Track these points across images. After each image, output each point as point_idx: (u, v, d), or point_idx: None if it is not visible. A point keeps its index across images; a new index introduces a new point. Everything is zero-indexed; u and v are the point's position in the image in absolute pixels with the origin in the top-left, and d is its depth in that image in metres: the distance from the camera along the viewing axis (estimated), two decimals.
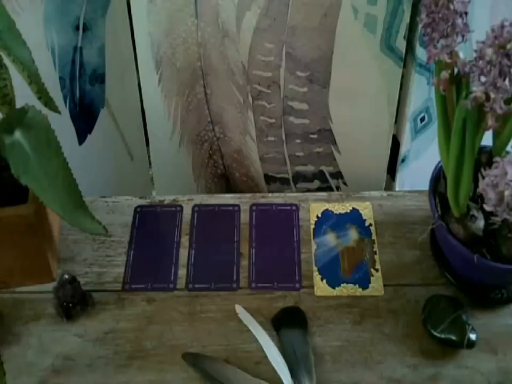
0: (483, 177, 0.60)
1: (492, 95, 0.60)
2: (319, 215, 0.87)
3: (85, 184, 0.70)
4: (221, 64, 0.91)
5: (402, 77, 0.89)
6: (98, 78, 0.94)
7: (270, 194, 0.91)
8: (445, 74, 0.67)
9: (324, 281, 0.80)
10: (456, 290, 0.78)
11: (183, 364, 0.73)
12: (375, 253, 0.83)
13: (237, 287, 0.80)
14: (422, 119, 0.95)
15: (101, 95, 0.96)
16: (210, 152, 1.03)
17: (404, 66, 0.88)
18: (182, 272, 0.82)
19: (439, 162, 0.77)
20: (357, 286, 0.80)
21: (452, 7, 0.64)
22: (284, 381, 0.70)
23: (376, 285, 0.80)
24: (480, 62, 0.61)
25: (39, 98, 0.69)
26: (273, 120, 0.95)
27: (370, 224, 0.86)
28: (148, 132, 1.00)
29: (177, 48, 0.90)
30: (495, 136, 0.71)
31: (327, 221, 0.86)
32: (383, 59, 0.87)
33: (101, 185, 1.02)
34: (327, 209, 0.88)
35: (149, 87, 0.94)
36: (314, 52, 0.87)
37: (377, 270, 0.81)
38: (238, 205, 0.88)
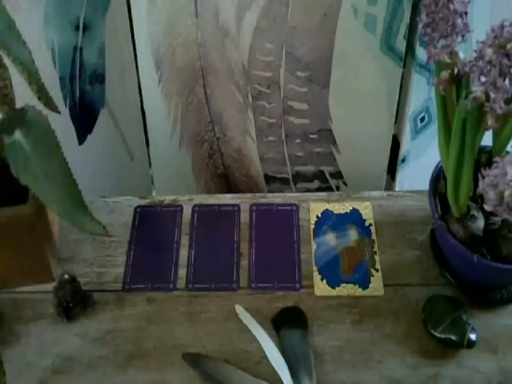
0: (483, 177, 0.60)
1: (492, 95, 0.60)
2: (319, 215, 0.87)
3: (85, 184, 0.70)
4: (221, 64, 0.91)
5: (402, 77, 0.89)
6: (98, 78, 0.94)
7: (270, 194, 0.91)
8: (445, 74, 0.67)
9: (324, 281, 0.80)
10: (456, 290, 0.78)
11: (183, 363, 0.73)
12: (375, 253, 0.83)
13: (237, 287, 0.80)
14: (422, 119, 0.95)
15: (101, 95, 0.96)
16: (210, 152, 1.03)
17: (404, 66, 0.88)
18: (182, 272, 0.82)
19: (439, 162, 0.77)
20: (357, 286, 0.80)
21: (452, 7, 0.64)
22: (284, 381, 0.70)
23: (376, 285, 0.80)
24: (480, 62, 0.61)
25: (39, 98, 0.69)
26: (273, 120, 0.95)
27: (370, 224, 0.86)
28: (148, 132, 1.00)
29: (177, 48, 0.90)
30: (495, 136, 0.71)
31: (327, 221, 0.86)
32: (383, 59, 0.87)
33: (101, 185, 1.02)
34: (327, 209, 0.88)
35: (149, 87, 0.94)
36: (314, 52, 0.87)
37: (377, 270, 0.81)
38: (238, 205, 0.88)
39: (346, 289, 0.79)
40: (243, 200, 0.89)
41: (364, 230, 0.85)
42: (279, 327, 0.75)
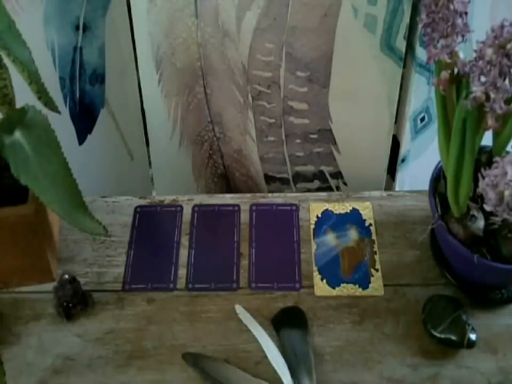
0: (483, 177, 0.60)
1: (492, 95, 0.60)
2: (319, 215, 0.87)
3: (85, 184, 0.70)
4: (221, 64, 0.91)
5: (402, 77, 0.89)
6: (98, 78, 0.94)
7: (270, 194, 0.91)
8: (445, 74, 0.67)
9: (324, 281, 0.80)
10: (456, 290, 0.78)
11: (183, 364, 0.73)
12: (375, 253, 0.83)
13: (237, 287, 0.80)
14: (422, 119, 0.95)
15: (101, 95, 0.96)
16: (210, 152, 1.03)
17: (404, 66, 0.88)
18: (182, 272, 0.82)
19: (439, 162, 0.77)
20: (357, 286, 0.80)
21: (451, 7, 0.64)
22: (284, 381, 0.70)
23: (376, 285, 0.80)
24: (480, 62, 0.61)
25: (39, 98, 0.69)
26: (273, 120, 0.95)
27: (370, 224, 0.86)
28: (148, 132, 1.00)
29: (177, 48, 0.90)
30: (495, 136, 0.71)
31: (327, 221, 0.86)
32: (383, 59, 0.87)
33: (101, 185, 1.02)
34: (327, 209, 0.88)
35: (149, 87, 0.94)
36: (314, 51, 0.87)
37: (377, 270, 0.81)
38: (238, 205, 0.88)
39: (346, 289, 0.79)
40: (243, 200, 0.89)
41: (364, 230, 0.85)
42: (279, 327, 0.75)
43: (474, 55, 0.62)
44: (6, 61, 0.67)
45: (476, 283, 0.77)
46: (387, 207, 0.88)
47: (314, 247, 0.84)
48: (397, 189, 1.03)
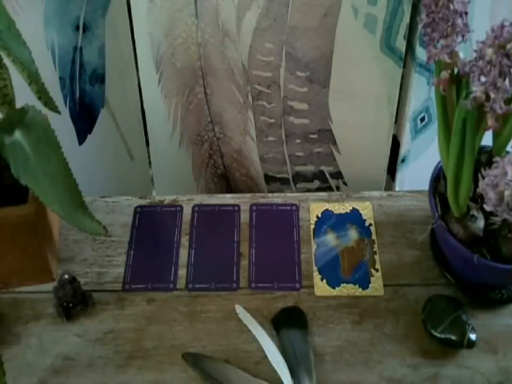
0: (483, 177, 0.60)
1: (492, 95, 0.60)
2: (319, 215, 0.87)
3: (85, 184, 0.70)
4: (221, 64, 0.91)
5: (402, 77, 0.89)
6: (98, 78, 0.94)
7: (270, 194, 0.91)
8: (445, 74, 0.67)
9: (324, 281, 0.80)
10: (456, 290, 0.78)
11: (183, 364, 0.73)
12: (375, 253, 0.83)
13: (237, 287, 0.80)
14: (422, 119, 0.95)
15: (101, 95, 0.96)
16: (210, 152, 1.03)
17: (404, 66, 0.88)
18: (182, 272, 0.82)
19: (439, 162, 0.77)
20: (357, 286, 0.80)
21: (451, 7, 0.64)
22: (284, 381, 0.70)
23: (376, 285, 0.80)
24: (480, 62, 0.61)
25: (39, 98, 0.69)
26: (273, 120, 0.95)
27: (370, 224, 0.86)
28: (148, 132, 1.00)
29: (177, 48, 0.90)
30: (495, 136, 0.71)
31: (327, 221, 0.86)
32: (383, 59, 0.87)
33: (101, 185, 1.02)
34: (327, 209, 0.88)
35: (149, 87, 0.94)
36: (314, 52, 0.87)
37: (377, 270, 0.81)
38: (238, 205, 0.88)
39: (346, 289, 0.79)
40: (243, 200, 0.89)
41: (364, 230, 0.85)
42: (279, 327, 0.75)
43: (474, 55, 0.62)
44: (6, 61, 0.67)
45: (476, 283, 0.77)
46: (387, 207, 0.88)
47: (314, 247, 0.84)
48: (397, 189, 1.03)
